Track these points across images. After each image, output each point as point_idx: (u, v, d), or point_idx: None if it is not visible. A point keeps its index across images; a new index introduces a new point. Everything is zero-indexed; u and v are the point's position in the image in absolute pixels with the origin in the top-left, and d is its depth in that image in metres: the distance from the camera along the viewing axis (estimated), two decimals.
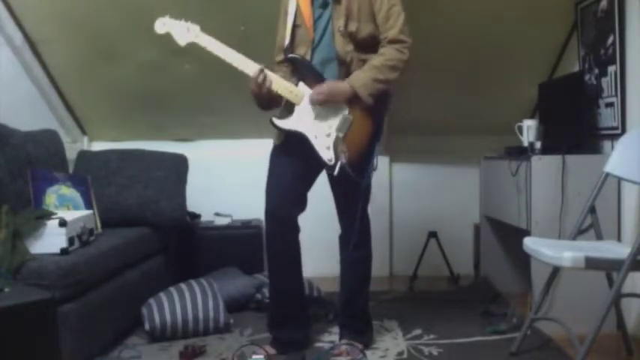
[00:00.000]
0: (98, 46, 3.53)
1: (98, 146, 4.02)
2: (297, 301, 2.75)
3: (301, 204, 2.67)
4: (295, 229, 2.65)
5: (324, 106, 2.53)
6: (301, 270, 2.72)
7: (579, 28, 3.39)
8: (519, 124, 3.29)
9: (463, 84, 3.81)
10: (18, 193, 2.76)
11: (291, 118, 2.57)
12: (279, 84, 2.54)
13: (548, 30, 3.57)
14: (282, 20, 2.68)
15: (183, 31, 2.52)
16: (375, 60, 2.54)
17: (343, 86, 2.52)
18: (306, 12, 2.57)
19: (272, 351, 2.64)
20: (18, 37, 3.35)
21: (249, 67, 2.50)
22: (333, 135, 2.54)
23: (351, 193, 2.60)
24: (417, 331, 2.96)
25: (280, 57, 2.69)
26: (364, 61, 2.56)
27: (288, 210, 2.61)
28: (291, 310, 2.72)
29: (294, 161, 2.62)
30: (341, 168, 2.50)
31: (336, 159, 2.52)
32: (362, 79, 2.51)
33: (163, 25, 2.54)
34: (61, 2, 3.27)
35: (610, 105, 3.05)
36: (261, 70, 2.49)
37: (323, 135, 2.54)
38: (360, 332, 2.75)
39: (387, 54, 2.54)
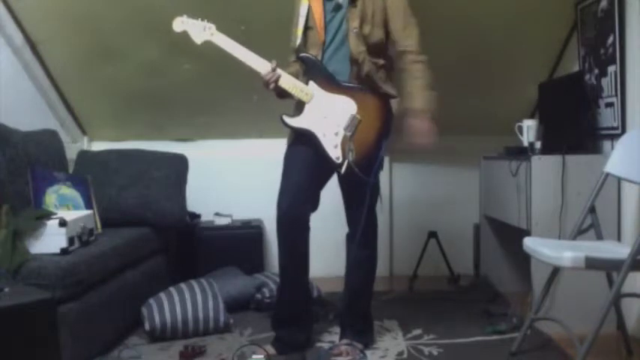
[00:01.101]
0: (98, 46, 3.53)
1: (98, 146, 4.02)
2: (303, 301, 2.75)
3: (313, 203, 2.68)
4: (305, 229, 2.65)
5: (332, 106, 2.57)
6: (308, 271, 2.72)
7: (579, 28, 3.39)
8: (519, 124, 3.30)
9: (463, 84, 3.81)
10: (18, 193, 2.76)
11: (301, 116, 2.60)
12: (290, 83, 2.57)
13: (548, 30, 3.57)
14: (294, 22, 2.72)
15: (200, 30, 2.58)
16: (422, 80, 2.62)
17: (423, 114, 2.60)
18: (317, 15, 2.62)
19: (272, 351, 2.65)
20: (18, 37, 3.35)
21: (261, 65, 2.55)
22: (341, 134, 2.57)
23: (359, 192, 2.62)
24: (417, 331, 2.96)
25: (293, 57, 2.74)
26: (374, 63, 2.62)
27: (299, 210, 2.62)
28: (295, 310, 2.72)
29: (306, 160, 2.63)
30: (348, 166, 2.52)
31: (344, 157, 2.54)
32: (424, 98, 2.60)
33: (182, 23, 2.59)
34: (61, 2, 3.27)
35: (610, 105, 3.05)
36: (273, 70, 2.54)
37: (331, 133, 2.57)
38: (361, 332, 2.76)
39: (424, 72, 2.63)
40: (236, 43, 2.57)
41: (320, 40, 2.62)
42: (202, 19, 2.58)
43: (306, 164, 2.63)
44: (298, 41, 2.64)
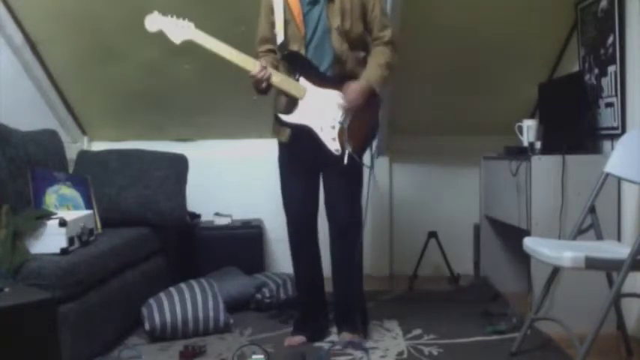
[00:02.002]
0: (98, 46, 3.53)
1: (98, 146, 4.02)
2: (319, 302, 2.90)
3: (315, 208, 2.79)
4: (314, 235, 2.80)
5: (325, 100, 2.58)
6: (321, 274, 2.87)
7: (579, 28, 3.39)
8: (519, 124, 3.30)
9: (463, 84, 3.81)
10: (18, 193, 2.76)
11: (296, 112, 2.61)
12: (282, 80, 2.57)
13: (548, 30, 3.57)
14: (263, 14, 2.72)
15: (177, 29, 2.49)
16: (380, 58, 2.64)
17: (366, 85, 2.60)
18: (295, 8, 2.60)
19: (299, 340, 2.76)
20: (18, 37, 3.35)
21: (247, 63, 2.53)
22: (337, 126, 2.59)
23: (351, 184, 2.69)
24: (417, 331, 2.96)
25: (263, 47, 2.73)
26: (357, 59, 2.66)
27: (306, 213, 2.75)
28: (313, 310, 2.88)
29: (304, 165, 2.70)
30: (349, 156, 2.56)
31: (343, 148, 2.56)
32: (375, 76, 2.62)
33: (154, 21, 2.50)
34: (61, 2, 3.27)
35: (610, 105, 3.05)
36: (264, 68, 2.52)
37: (328, 127, 2.60)
38: (356, 325, 2.78)
39: (387, 54, 2.66)
40: (219, 41, 2.49)
41: (300, 34, 2.60)
42: (178, 17, 2.48)
43: (304, 169, 2.71)
44: (281, 36, 2.60)
